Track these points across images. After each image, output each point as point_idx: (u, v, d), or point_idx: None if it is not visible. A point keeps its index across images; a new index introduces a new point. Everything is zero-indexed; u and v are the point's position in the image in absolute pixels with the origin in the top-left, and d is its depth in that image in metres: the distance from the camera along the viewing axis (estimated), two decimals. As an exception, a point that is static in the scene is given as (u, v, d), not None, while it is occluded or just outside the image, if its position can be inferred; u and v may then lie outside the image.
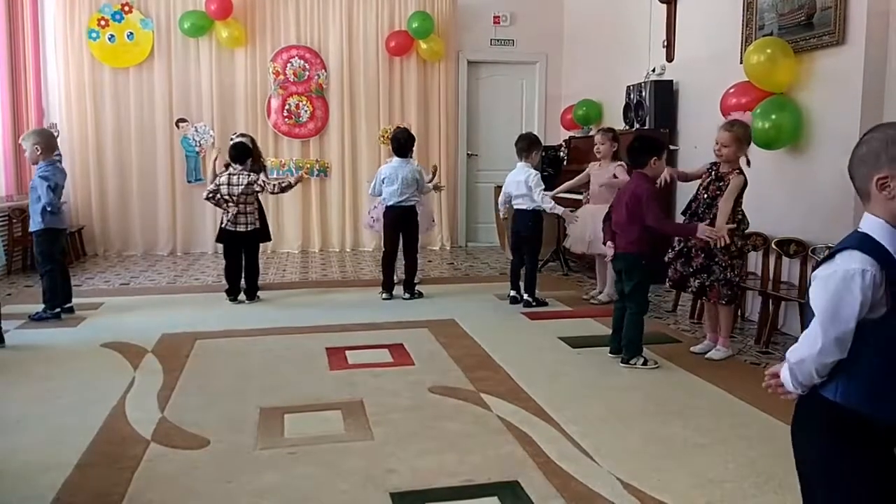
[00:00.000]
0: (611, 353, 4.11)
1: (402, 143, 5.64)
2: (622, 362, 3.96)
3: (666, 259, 4.19)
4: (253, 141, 5.89)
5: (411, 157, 5.74)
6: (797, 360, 1.46)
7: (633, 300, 3.95)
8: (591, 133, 6.94)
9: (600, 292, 5.61)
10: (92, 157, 7.83)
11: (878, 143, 1.40)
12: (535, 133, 7.56)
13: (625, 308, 4.02)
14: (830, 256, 1.42)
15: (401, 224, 5.66)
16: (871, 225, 1.41)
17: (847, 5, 4.17)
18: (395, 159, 5.64)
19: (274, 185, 5.58)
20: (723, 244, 3.77)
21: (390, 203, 5.64)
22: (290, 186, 5.68)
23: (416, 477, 2.61)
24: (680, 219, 4.24)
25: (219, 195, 5.41)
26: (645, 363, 3.92)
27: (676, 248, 4.13)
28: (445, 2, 8.32)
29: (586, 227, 5.44)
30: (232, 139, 5.91)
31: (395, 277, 5.81)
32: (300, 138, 8.21)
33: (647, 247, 3.96)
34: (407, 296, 5.70)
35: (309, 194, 8.32)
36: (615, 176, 5.29)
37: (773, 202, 4.65)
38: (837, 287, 1.37)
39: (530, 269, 5.40)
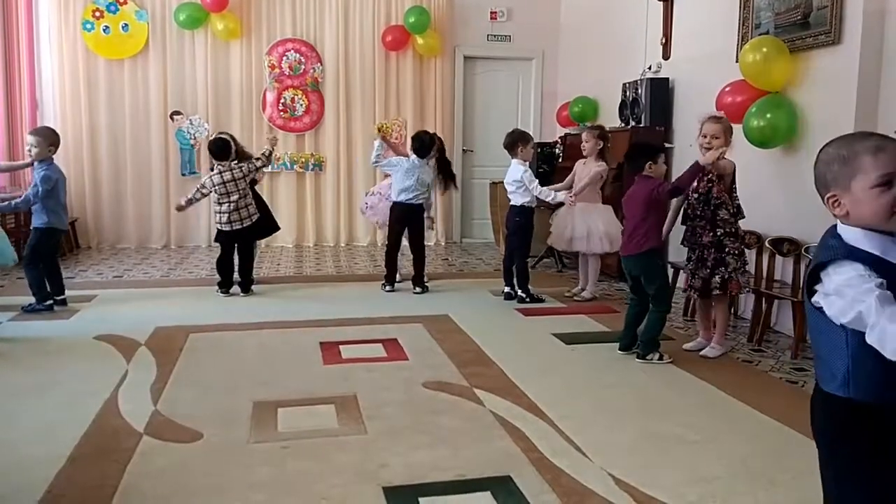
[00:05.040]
0: (620, 349, 4.11)
1: (424, 143, 5.65)
2: (638, 357, 3.98)
3: (687, 270, 4.18)
4: (233, 138, 5.76)
5: (431, 159, 5.73)
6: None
7: (658, 301, 3.98)
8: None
9: (582, 289, 5.62)
10: (86, 150, 7.79)
11: (822, 166, 1.49)
12: (529, 129, 7.61)
13: (640, 307, 4.06)
14: (822, 268, 1.42)
15: (407, 220, 5.70)
16: (851, 235, 1.44)
17: (843, 5, 4.18)
18: (415, 157, 5.63)
19: (260, 161, 5.57)
20: (723, 153, 3.79)
21: (398, 199, 5.65)
22: (270, 154, 5.69)
23: (408, 471, 2.62)
24: (680, 229, 4.26)
25: (201, 195, 5.44)
26: (661, 358, 3.95)
27: (694, 258, 4.11)
28: (442, -3, 8.31)
29: (567, 225, 5.46)
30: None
31: (398, 271, 5.84)
32: (295, 132, 8.19)
33: (659, 241, 4.02)
34: (418, 290, 5.72)
35: (304, 189, 8.31)
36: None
37: (767, 201, 4.67)
38: (853, 289, 1.35)
39: (518, 264, 5.42)
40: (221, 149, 5.41)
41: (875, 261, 1.39)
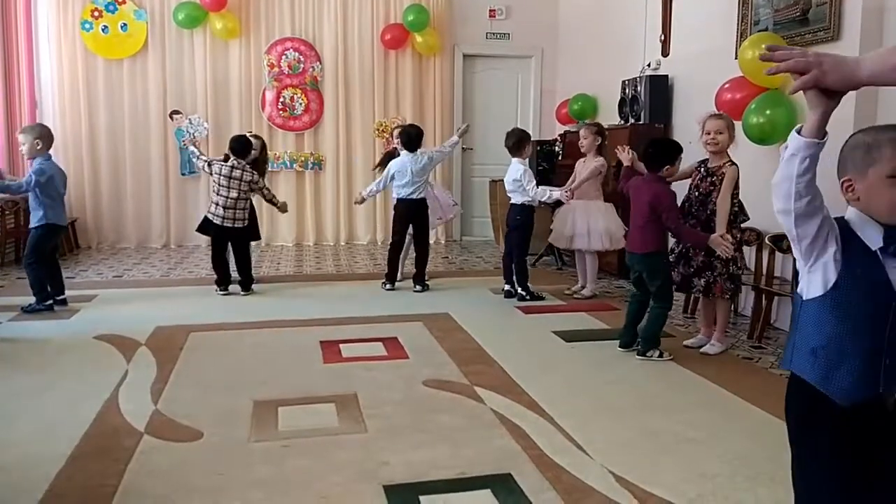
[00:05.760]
0: (621, 346, 4.11)
1: (411, 138, 5.65)
2: (638, 355, 3.97)
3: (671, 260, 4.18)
4: (264, 145, 5.85)
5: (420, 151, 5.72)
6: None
7: (660, 299, 3.97)
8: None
9: (582, 287, 5.62)
10: (85, 149, 7.79)
11: (847, 150, 1.53)
12: (529, 127, 7.62)
13: (642, 304, 4.06)
14: None
15: (411, 217, 5.70)
16: (849, 214, 1.52)
17: (842, 1, 4.18)
18: (405, 154, 5.64)
19: (267, 192, 5.71)
20: (729, 255, 3.78)
21: (400, 196, 5.67)
22: (274, 204, 5.83)
23: (409, 470, 2.62)
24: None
25: (199, 162, 5.58)
26: (661, 355, 3.95)
27: (676, 251, 4.13)
28: (441, -5, 8.31)
29: (568, 222, 5.47)
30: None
31: (399, 270, 5.83)
32: (295, 131, 8.19)
33: (665, 244, 4.00)
34: (418, 288, 5.71)
35: (303, 188, 8.31)
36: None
37: (766, 198, 4.60)
38: None
39: (516, 262, 5.42)
40: (243, 146, 5.48)
41: (846, 229, 1.47)
